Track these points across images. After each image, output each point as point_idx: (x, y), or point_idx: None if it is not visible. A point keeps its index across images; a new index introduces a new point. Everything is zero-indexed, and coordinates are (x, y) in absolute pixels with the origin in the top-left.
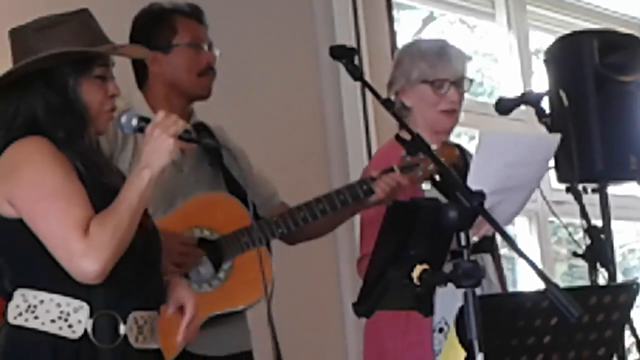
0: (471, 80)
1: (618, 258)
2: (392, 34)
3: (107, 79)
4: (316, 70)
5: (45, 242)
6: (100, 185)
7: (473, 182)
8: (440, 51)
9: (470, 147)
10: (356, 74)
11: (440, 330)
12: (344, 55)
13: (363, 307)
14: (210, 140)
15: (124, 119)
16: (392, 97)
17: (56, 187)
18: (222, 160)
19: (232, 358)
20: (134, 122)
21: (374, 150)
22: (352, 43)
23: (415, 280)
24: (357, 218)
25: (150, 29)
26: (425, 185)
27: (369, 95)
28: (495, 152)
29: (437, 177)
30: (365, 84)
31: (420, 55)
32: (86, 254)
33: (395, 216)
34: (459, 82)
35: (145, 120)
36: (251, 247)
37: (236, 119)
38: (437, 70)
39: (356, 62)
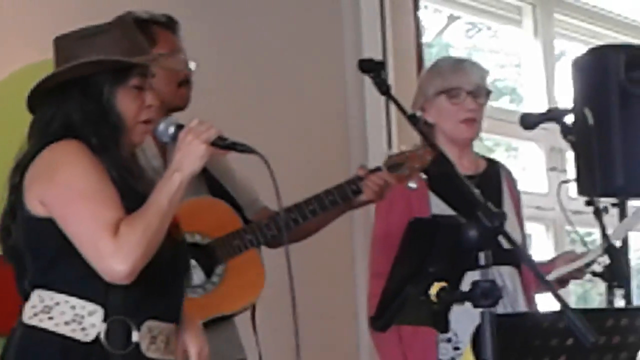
0: (489, 91)
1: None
2: (418, 33)
3: (144, 89)
4: (341, 78)
5: (76, 243)
6: (132, 191)
7: None
8: (455, 64)
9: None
10: (383, 88)
11: (449, 340)
12: (372, 69)
13: (380, 321)
14: (245, 145)
15: (161, 127)
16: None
17: (89, 189)
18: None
19: None
20: (171, 129)
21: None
22: (376, 40)
23: (433, 298)
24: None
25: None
26: (412, 184)
27: (393, 108)
28: None
29: (424, 176)
30: (391, 99)
31: (436, 71)
32: (115, 254)
33: (415, 233)
34: (475, 92)
35: (182, 127)
36: (243, 250)
37: (260, 129)
38: (451, 80)
39: (383, 76)
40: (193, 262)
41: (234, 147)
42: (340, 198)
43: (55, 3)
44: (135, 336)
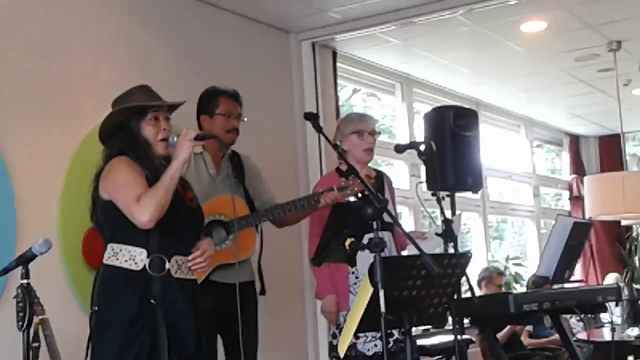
0: (379, 132)
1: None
2: (336, 99)
3: (160, 120)
4: (292, 124)
5: (121, 209)
6: (157, 180)
7: None
8: (361, 116)
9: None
10: (318, 129)
11: (353, 273)
12: (312, 117)
13: (317, 260)
14: (210, 135)
15: (170, 138)
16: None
17: (126, 180)
18: (244, 175)
19: (241, 285)
20: (175, 138)
21: (324, 171)
22: (313, 103)
23: (347, 247)
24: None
25: (206, 102)
26: (350, 199)
27: (323, 141)
28: None
29: (360, 195)
30: (323, 135)
31: (349, 120)
32: (138, 211)
33: (337, 211)
34: (372, 133)
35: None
36: (247, 227)
37: (250, 154)
38: (359, 125)
39: (318, 122)
40: (220, 228)
41: (203, 138)
42: (307, 203)
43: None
44: (167, 265)
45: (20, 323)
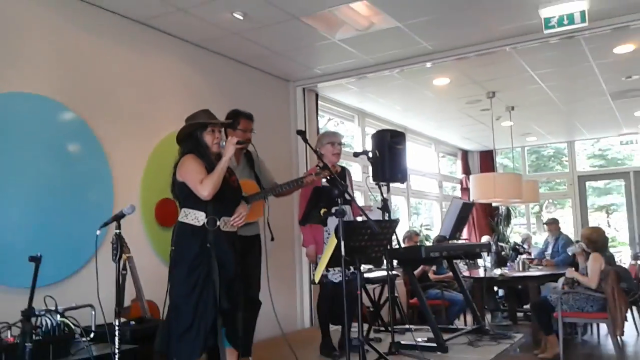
0: (344, 144)
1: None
2: (317, 123)
3: (215, 132)
4: (289, 137)
5: (190, 187)
6: (212, 169)
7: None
8: (334, 133)
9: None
10: (305, 140)
11: (327, 231)
12: (301, 133)
13: (302, 222)
14: (244, 142)
15: (220, 143)
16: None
17: (194, 169)
18: (254, 165)
19: (252, 237)
20: (223, 143)
21: (308, 167)
22: (303, 125)
23: (322, 214)
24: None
25: (232, 119)
26: (324, 180)
27: (309, 149)
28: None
29: (329, 178)
30: (308, 145)
31: (326, 135)
32: (202, 188)
33: (316, 192)
34: (340, 143)
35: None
36: (258, 199)
37: (262, 154)
38: (332, 138)
39: (305, 136)
40: (242, 201)
41: (241, 143)
42: (296, 183)
43: (183, 100)
44: (218, 223)
45: (114, 257)
